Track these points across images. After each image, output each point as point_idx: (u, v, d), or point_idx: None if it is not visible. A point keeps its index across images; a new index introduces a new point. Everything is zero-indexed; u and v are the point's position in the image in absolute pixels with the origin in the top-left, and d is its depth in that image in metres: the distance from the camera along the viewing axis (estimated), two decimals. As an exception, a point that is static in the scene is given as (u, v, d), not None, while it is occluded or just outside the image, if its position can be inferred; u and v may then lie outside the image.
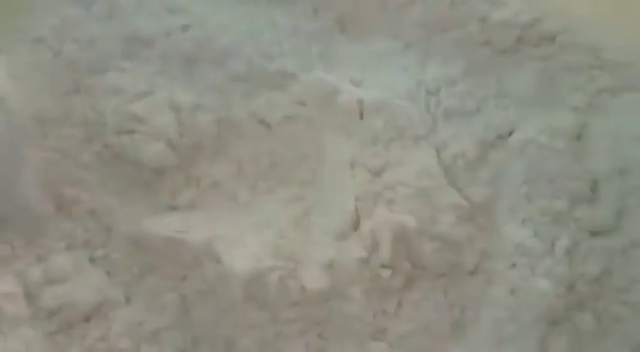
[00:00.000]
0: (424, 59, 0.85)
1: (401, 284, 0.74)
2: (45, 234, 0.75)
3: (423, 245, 0.74)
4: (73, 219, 0.76)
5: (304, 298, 0.74)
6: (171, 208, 0.79)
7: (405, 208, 0.75)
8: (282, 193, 0.78)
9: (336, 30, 0.87)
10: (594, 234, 0.74)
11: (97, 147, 0.79)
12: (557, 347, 0.72)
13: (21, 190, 0.75)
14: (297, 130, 0.80)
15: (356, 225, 0.75)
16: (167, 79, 0.81)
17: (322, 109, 0.80)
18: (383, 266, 0.74)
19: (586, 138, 0.77)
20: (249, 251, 0.75)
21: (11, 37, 0.82)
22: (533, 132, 0.78)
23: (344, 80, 0.82)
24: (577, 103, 0.79)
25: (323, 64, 0.84)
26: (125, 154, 0.79)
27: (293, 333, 0.74)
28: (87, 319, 0.73)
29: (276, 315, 0.74)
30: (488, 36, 0.84)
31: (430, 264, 0.74)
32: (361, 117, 0.80)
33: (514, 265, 0.74)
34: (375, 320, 0.74)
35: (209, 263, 0.74)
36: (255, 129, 0.80)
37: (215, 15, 0.85)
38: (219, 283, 0.74)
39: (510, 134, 0.79)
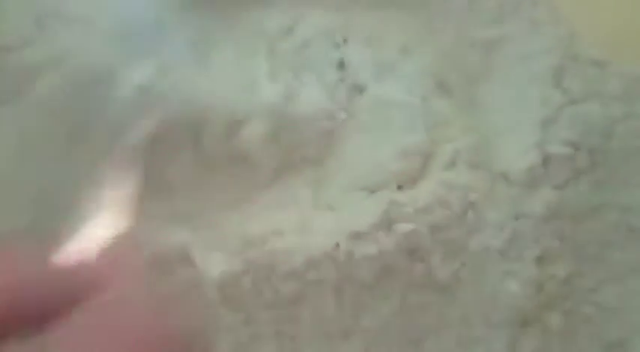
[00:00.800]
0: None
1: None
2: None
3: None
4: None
5: (278, 300, 0.74)
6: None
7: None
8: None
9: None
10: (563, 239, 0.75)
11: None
12: (527, 348, 0.73)
13: None
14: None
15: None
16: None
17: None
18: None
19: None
20: (223, 254, 0.75)
21: None
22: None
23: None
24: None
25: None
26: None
27: (268, 335, 0.75)
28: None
29: (251, 317, 0.75)
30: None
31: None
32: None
33: (484, 268, 0.75)
34: (348, 321, 0.75)
35: (182, 266, 0.75)
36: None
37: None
38: (193, 286, 0.75)
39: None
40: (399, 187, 0.78)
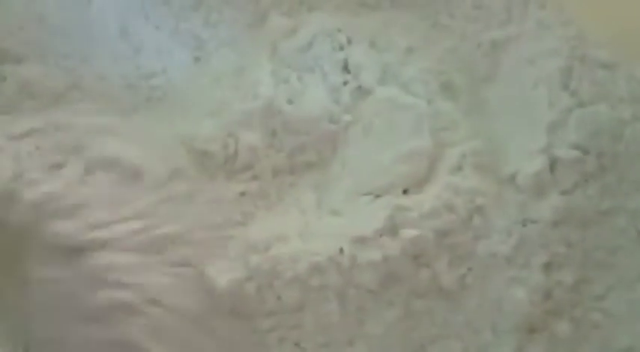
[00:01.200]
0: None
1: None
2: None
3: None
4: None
5: (281, 307, 0.74)
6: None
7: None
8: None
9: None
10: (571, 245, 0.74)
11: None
12: (535, 355, 0.73)
13: None
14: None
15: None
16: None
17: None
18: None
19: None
20: (226, 261, 0.74)
21: None
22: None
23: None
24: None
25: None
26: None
27: (271, 342, 0.74)
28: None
29: (254, 325, 0.74)
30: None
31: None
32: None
33: (490, 274, 0.74)
34: (352, 327, 0.74)
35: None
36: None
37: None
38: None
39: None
40: (405, 191, 0.77)
